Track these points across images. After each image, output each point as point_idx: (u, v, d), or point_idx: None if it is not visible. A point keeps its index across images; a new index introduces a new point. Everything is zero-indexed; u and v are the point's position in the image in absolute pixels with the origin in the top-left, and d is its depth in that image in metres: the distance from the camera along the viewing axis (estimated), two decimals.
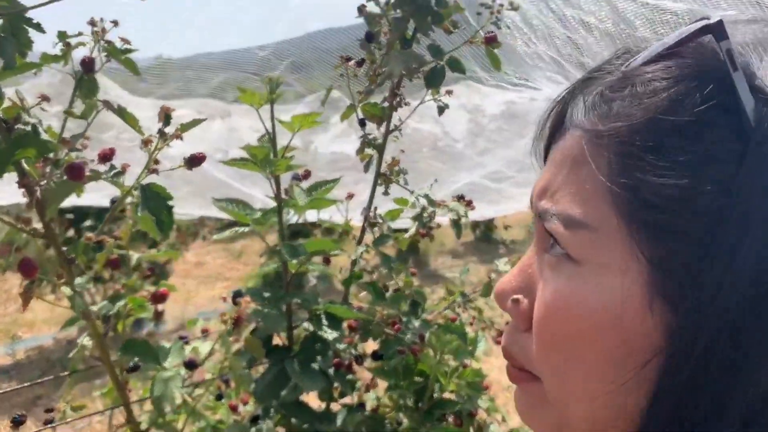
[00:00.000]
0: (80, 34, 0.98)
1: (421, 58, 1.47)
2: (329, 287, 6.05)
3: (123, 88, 3.83)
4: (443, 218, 1.65)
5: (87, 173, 0.91)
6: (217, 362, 1.42)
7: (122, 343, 1.13)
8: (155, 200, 0.92)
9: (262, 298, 1.32)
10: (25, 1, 0.85)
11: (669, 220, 0.36)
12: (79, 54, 1.05)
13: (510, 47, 2.66)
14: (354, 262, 1.55)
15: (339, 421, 1.46)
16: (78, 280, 0.98)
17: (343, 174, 1.60)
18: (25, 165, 0.90)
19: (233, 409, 1.54)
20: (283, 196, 1.35)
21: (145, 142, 0.95)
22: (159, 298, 1.12)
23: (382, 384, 1.60)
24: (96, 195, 3.28)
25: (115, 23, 1.00)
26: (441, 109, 1.60)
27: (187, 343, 1.27)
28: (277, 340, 1.44)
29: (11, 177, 0.90)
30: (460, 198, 1.65)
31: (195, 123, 0.95)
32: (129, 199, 0.97)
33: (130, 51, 1.03)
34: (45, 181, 0.89)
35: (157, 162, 0.97)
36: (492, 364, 4.64)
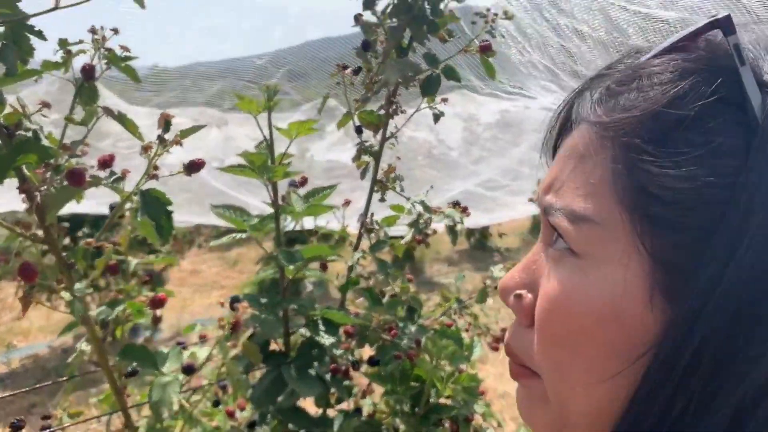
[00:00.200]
0: (81, 41, 0.99)
1: (417, 67, 1.49)
2: (325, 294, 6.05)
3: (120, 97, 3.84)
4: (439, 225, 1.66)
5: (87, 179, 0.92)
6: (215, 368, 1.42)
7: (121, 349, 1.13)
8: (155, 205, 0.93)
9: (259, 304, 1.33)
10: (27, 9, 0.86)
11: (672, 212, 0.36)
12: (78, 62, 1.07)
13: (504, 56, 2.68)
14: (351, 268, 1.56)
15: (336, 427, 1.46)
16: (77, 285, 0.99)
17: (339, 182, 1.61)
18: (25, 171, 0.91)
19: (230, 414, 1.54)
20: (280, 202, 1.36)
21: (145, 148, 0.96)
22: (158, 303, 1.13)
23: (378, 390, 1.60)
24: (92, 202, 3.28)
25: (116, 31, 1.01)
26: (437, 117, 1.61)
27: (185, 348, 1.28)
28: (274, 346, 1.44)
29: (8, 185, 0.91)
30: (455, 204, 1.66)
31: (195, 129, 0.96)
32: (128, 205, 0.98)
33: (130, 58, 1.04)
34: (45, 187, 0.90)
35: (156, 168, 0.98)
36: (487, 372, 4.64)
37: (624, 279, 0.38)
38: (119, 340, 1.24)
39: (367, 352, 1.56)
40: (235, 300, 1.25)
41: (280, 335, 1.42)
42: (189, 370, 1.19)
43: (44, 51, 1.00)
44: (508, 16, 1.60)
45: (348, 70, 1.58)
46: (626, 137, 0.38)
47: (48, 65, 0.99)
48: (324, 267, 1.53)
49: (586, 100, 0.43)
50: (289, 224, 1.43)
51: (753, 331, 0.34)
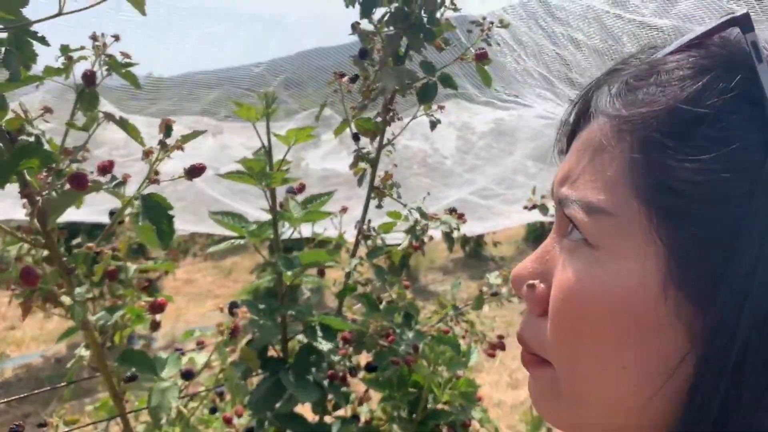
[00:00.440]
0: (82, 48, 1.00)
1: (413, 75, 1.50)
2: (320, 301, 6.05)
3: (116, 105, 3.84)
4: (435, 231, 1.67)
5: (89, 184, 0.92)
6: (212, 374, 1.42)
7: (119, 354, 1.14)
8: (156, 210, 0.94)
9: (258, 310, 1.33)
10: (30, 15, 0.87)
11: (688, 205, 0.37)
12: (78, 69, 1.07)
13: (500, 64, 2.70)
14: (348, 275, 1.56)
15: None
16: (78, 290, 0.99)
17: (335, 189, 1.62)
18: (27, 175, 0.91)
19: (227, 421, 1.54)
20: (278, 209, 1.36)
21: (146, 153, 0.97)
22: (157, 307, 1.13)
23: (376, 397, 1.61)
24: (88, 210, 3.28)
25: (116, 38, 1.02)
26: (433, 124, 1.63)
27: (183, 354, 1.28)
28: (272, 352, 1.44)
29: (3, 193, 0.91)
30: (451, 211, 1.67)
31: (196, 134, 0.97)
32: (129, 210, 0.98)
33: (131, 65, 1.05)
34: (47, 191, 0.90)
35: (157, 173, 0.99)
36: (483, 380, 4.65)
37: (639, 270, 0.38)
38: (117, 347, 1.25)
39: (365, 358, 1.56)
40: (234, 305, 1.26)
41: (278, 341, 1.42)
42: (188, 375, 1.19)
43: (42, 57, 1.00)
44: (503, 25, 1.62)
45: (345, 78, 1.59)
46: (645, 131, 0.39)
47: (50, 71, 1.00)
48: (321, 273, 1.54)
49: (604, 94, 0.44)
50: (287, 231, 1.43)
51: None
